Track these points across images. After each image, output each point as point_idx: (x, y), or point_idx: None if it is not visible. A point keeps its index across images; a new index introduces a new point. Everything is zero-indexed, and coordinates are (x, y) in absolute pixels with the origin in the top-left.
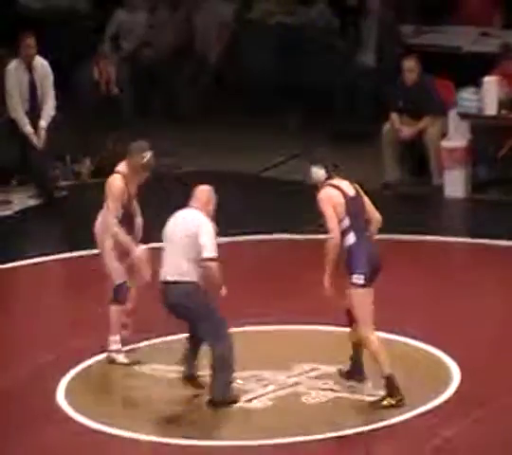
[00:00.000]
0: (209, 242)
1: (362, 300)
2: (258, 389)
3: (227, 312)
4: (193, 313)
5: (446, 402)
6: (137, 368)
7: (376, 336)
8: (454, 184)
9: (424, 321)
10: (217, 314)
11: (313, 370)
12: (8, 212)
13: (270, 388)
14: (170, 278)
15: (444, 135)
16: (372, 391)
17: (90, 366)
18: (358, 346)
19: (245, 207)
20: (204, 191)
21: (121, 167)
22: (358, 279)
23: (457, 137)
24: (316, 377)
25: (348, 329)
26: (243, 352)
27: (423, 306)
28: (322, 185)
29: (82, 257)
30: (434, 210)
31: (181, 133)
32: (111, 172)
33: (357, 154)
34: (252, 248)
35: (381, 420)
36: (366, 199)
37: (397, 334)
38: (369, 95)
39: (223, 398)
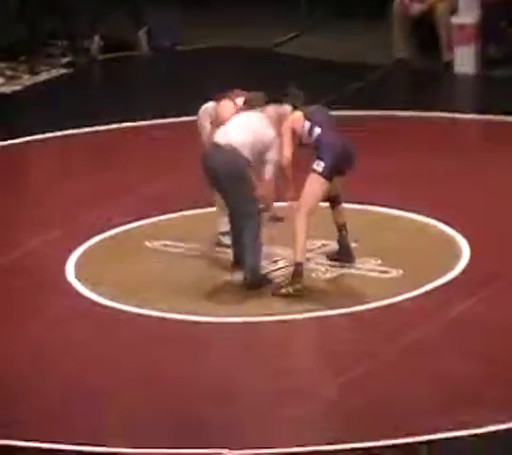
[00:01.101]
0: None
1: (314, 185)
2: (269, 265)
3: None
4: (234, 183)
5: (453, 280)
6: (148, 243)
7: (306, 222)
8: (464, 60)
9: (434, 199)
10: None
11: (323, 246)
12: (17, 87)
13: (281, 264)
14: (225, 141)
15: (454, 11)
16: (382, 267)
17: (100, 241)
18: (340, 228)
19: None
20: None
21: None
22: (318, 165)
23: (467, 14)
24: (326, 253)
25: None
26: None
27: (434, 183)
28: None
29: (89, 133)
30: (444, 86)
31: (190, 10)
32: (120, 48)
33: (368, 29)
34: None
35: (388, 297)
36: None
37: (407, 211)
38: None
39: (256, 278)
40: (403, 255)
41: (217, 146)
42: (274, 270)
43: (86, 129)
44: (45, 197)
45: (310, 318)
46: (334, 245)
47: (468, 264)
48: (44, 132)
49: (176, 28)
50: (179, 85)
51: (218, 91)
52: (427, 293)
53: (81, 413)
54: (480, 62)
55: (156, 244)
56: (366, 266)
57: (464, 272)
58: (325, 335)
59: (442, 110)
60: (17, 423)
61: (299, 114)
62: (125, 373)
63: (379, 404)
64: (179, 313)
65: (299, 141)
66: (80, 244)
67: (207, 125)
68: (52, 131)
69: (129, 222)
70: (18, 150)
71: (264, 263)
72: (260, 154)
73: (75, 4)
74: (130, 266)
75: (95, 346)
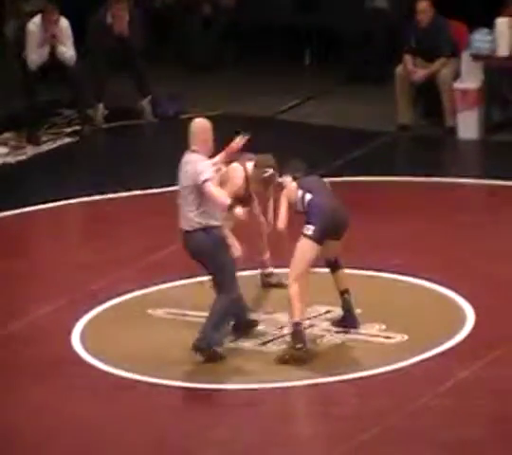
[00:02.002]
0: (205, 168)
1: (304, 249)
2: (273, 331)
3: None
4: (209, 261)
5: (460, 344)
6: (150, 311)
7: (298, 286)
8: (467, 126)
9: (437, 263)
10: (230, 264)
11: (328, 312)
12: (21, 158)
13: (285, 331)
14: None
15: (457, 76)
16: (386, 333)
17: (105, 310)
18: (343, 293)
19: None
20: (199, 126)
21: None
22: (308, 229)
23: (470, 79)
24: (330, 320)
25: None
26: (258, 294)
27: (437, 248)
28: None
29: (96, 201)
30: (448, 152)
31: (194, 77)
32: (124, 116)
33: (371, 96)
34: None
35: (395, 362)
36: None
37: (411, 276)
38: (383, 37)
39: (206, 347)
40: (408, 320)
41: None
42: (280, 337)
43: (90, 198)
44: (49, 266)
45: (312, 385)
46: (338, 312)
47: (474, 329)
48: (46, 202)
49: (180, 97)
50: (181, 153)
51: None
52: (432, 358)
53: None
54: (483, 126)
55: (160, 311)
56: (370, 332)
57: (469, 336)
58: (328, 401)
59: (445, 175)
60: None
61: (294, 184)
62: (132, 444)
63: None
64: (185, 381)
65: (294, 210)
66: (84, 312)
67: None
68: (55, 200)
69: (132, 290)
70: (21, 219)
71: (269, 329)
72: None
73: (79, 73)
74: (133, 335)
75: (100, 417)
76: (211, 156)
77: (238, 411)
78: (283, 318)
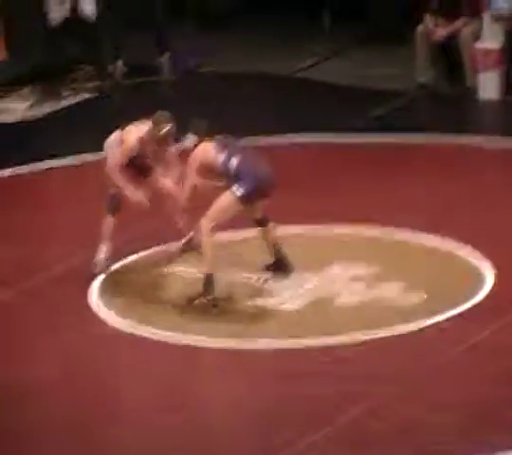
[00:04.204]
0: None
1: (226, 204)
2: (291, 290)
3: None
4: None
5: (479, 304)
6: (167, 269)
7: (211, 236)
8: (488, 86)
9: (460, 223)
10: None
11: (347, 271)
12: (41, 113)
13: (304, 289)
14: None
15: (478, 36)
16: (403, 293)
17: (124, 265)
18: (274, 244)
19: (278, 107)
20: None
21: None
22: (238, 190)
23: (491, 39)
24: (350, 279)
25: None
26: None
27: (459, 208)
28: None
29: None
30: (468, 112)
31: (212, 35)
32: (143, 73)
33: (391, 55)
34: (284, 150)
35: (413, 322)
36: None
37: (432, 236)
38: None
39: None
40: (427, 280)
41: None
42: (299, 295)
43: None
44: (67, 220)
45: (329, 345)
46: (358, 271)
47: (493, 289)
48: (64, 156)
49: (198, 54)
50: (202, 109)
51: (238, 117)
52: (451, 318)
53: (99, 439)
54: (504, 87)
55: (176, 269)
56: (390, 291)
57: (488, 297)
58: (345, 361)
59: (465, 135)
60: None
61: (208, 144)
62: (146, 399)
63: (403, 428)
64: (201, 339)
65: (209, 173)
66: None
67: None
68: (73, 154)
69: (151, 246)
70: (40, 173)
71: (285, 287)
72: None
73: (99, 29)
74: (152, 290)
75: (115, 373)
76: None
77: (255, 370)
78: (300, 276)
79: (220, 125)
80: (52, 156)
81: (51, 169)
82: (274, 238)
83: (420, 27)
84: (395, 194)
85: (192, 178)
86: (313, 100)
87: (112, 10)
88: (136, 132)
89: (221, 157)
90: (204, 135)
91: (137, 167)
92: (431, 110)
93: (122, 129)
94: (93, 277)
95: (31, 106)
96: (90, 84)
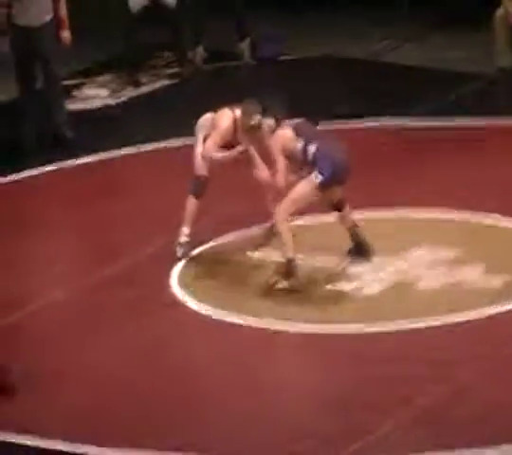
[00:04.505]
0: None
1: (304, 191)
2: (371, 274)
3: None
4: None
5: None
6: (250, 253)
7: (287, 222)
8: None
9: None
10: None
11: (427, 255)
12: (121, 99)
13: (383, 273)
14: None
15: None
16: (485, 276)
17: (205, 250)
18: (351, 228)
19: (357, 90)
20: None
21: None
22: (317, 177)
23: None
24: (430, 263)
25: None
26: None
27: None
28: (273, 130)
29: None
30: None
31: (291, 20)
32: (223, 58)
33: (469, 39)
34: (360, 134)
35: (495, 306)
36: None
37: (500, 217)
38: None
39: None
40: (509, 263)
41: None
42: (379, 279)
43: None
44: (150, 207)
45: (411, 329)
46: (438, 254)
47: None
48: (147, 142)
49: (278, 39)
50: (284, 94)
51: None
52: None
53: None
54: None
55: (259, 254)
56: (470, 275)
57: None
58: (425, 345)
59: None
60: None
61: (287, 131)
62: (225, 382)
63: (486, 412)
64: (283, 323)
65: (291, 161)
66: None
67: (200, 138)
68: (155, 141)
69: (232, 230)
70: (122, 159)
71: (365, 271)
72: None
73: (179, 16)
74: (233, 276)
75: (195, 357)
76: None
77: (334, 355)
78: (380, 260)
79: (298, 110)
80: (135, 142)
81: (135, 154)
82: (351, 222)
83: (499, 11)
84: (472, 177)
85: (282, 161)
86: (392, 83)
87: None
88: (229, 115)
89: (299, 144)
90: (281, 118)
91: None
92: (510, 94)
93: (215, 112)
94: (175, 260)
95: (111, 93)
96: (170, 71)
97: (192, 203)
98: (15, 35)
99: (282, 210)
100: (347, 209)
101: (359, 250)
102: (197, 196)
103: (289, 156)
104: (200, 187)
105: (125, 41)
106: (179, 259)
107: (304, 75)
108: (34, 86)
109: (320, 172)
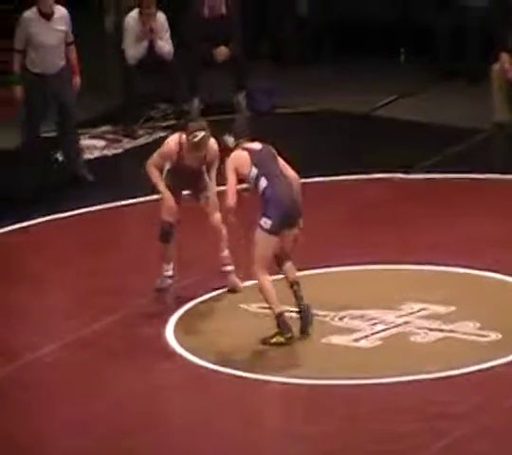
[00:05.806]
0: None
1: (263, 241)
2: (366, 328)
3: (331, 252)
4: None
5: None
6: (243, 306)
7: (266, 277)
8: None
9: None
10: None
11: (422, 310)
12: (118, 151)
13: (379, 327)
14: None
15: None
16: (480, 332)
17: (199, 303)
18: (294, 285)
19: (355, 145)
20: None
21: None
22: (265, 223)
23: None
24: (425, 317)
25: None
26: (351, 291)
27: None
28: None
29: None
30: None
31: (288, 73)
32: (220, 110)
33: (466, 93)
34: (357, 188)
35: (489, 361)
36: (280, 160)
37: (505, 274)
38: (479, 34)
39: None
40: (502, 318)
41: None
42: (372, 334)
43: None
44: (145, 260)
45: (406, 382)
46: (433, 309)
47: None
48: (142, 194)
49: (274, 92)
50: (276, 146)
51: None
52: None
53: None
54: None
55: (253, 306)
56: (465, 330)
57: None
58: (421, 399)
59: None
60: None
61: (245, 153)
62: (223, 437)
63: None
64: (277, 375)
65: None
66: (177, 308)
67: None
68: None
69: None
70: (119, 212)
71: (362, 326)
72: None
73: (176, 67)
74: (227, 330)
75: (199, 411)
76: None
77: (333, 407)
78: (375, 314)
79: (292, 160)
80: (128, 193)
81: (128, 205)
82: (293, 277)
83: (496, 66)
84: (463, 231)
85: (232, 180)
86: (387, 138)
87: (188, 48)
88: (175, 137)
89: (253, 172)
90: (243, 138)
91: (187, 181)
92: (508, 149)
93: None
94: (169, 312)
95: (108, 145)
96: (165, 123)
97: (165, 248)
98: (30, 82)
99: (256, 270)
100: (289, 263)
101: (299, 313)
102: (167, 242)
103: (241, 178)
104: (167, 232)
105: (122, 92)
106: (159, 291)
107: (300, 128)
108: (38, 133)
109: (268, 217)
